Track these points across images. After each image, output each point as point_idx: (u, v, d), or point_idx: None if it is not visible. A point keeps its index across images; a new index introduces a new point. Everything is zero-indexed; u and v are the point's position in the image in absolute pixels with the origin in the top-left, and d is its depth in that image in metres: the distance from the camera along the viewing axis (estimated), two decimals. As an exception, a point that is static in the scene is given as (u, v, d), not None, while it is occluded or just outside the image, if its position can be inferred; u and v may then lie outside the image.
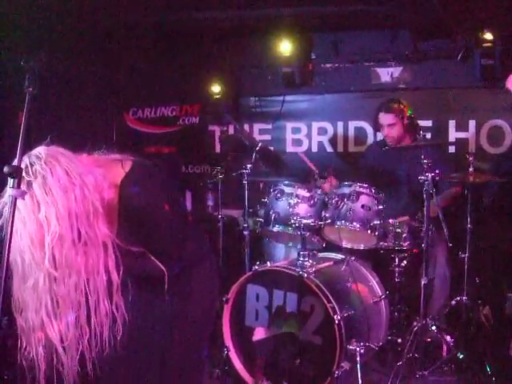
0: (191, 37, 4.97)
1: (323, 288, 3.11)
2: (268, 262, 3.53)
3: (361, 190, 3.51)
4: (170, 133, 5.69)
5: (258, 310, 3.34)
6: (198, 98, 5.47)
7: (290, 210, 3.52)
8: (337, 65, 5.09)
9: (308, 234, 3.50)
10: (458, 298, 3.73)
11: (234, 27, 4.85)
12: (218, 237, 4.34)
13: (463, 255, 3.67)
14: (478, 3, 3.96)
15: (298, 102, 5.30)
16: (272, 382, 3.22)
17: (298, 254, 3.44)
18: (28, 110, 1.64)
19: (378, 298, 3.48)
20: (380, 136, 4.61)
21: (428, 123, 4.77)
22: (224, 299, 3.35)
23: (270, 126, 5.39)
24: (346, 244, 3.66)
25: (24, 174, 1.60)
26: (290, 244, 4.08)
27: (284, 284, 3.26)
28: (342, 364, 3.03)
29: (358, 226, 3.45)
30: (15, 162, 1.58)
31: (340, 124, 5.15)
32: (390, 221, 3.65)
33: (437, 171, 3.45)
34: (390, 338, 3.61)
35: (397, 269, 3.77)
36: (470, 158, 3.58)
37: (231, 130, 5.23)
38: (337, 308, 3.05)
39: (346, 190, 3.53)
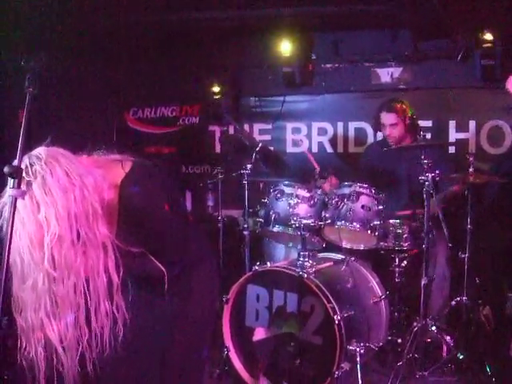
0: (191, 37, 4.97)
1: (323, 288, 3.11)
2: (268, 263, 3.54)
3: (361, 190, 3.51)
4: (170, 133, 5.69)
5: (258, 311, 3.34)
6: (198, 98, 5.47)
7: (290, 210, 3.52)
8: (337, 65, 5.10)
9: (308, 234, 3.50)
10: (458, 299, 3.73)
11: (234, 27, 4.85)
12: (218, 237, 4.34)
13: (463, 255, 3.67)
14: (478, 3, 3.96)
15: (298, 102, 5.31)
16: (272, 382, 3.22)
17: (298, 255, 3.44)
18: (28, 110, 1.64)
19: (378, 299, 3.48)
20: (380, 136, 4.61)
21: (428, 123, 4.77)
22: (224, 299, 3.34)
23: (270, 126, 5.39)
24: (345, 244, 3.66)
25: (24, 174, 1.60)
26: (290, 244, 4.07)
27: (284, 284, 3.26)
28: (342, 364, 3.03)
29: (358, 226, 3.45)
30: (15, 162, 1.59)
31: (340, 124, 5.16)
32: (391, 221, 3.66)
33: (437, 171, 3.44)
34: (390, 338, 3.61)
35: (397, 269, 3.77)
36: (470, 159, 3.58)
37: (231, 130, 5.23)
38: (337, 308, 3.05)
39: (346, 191, 3.53)
